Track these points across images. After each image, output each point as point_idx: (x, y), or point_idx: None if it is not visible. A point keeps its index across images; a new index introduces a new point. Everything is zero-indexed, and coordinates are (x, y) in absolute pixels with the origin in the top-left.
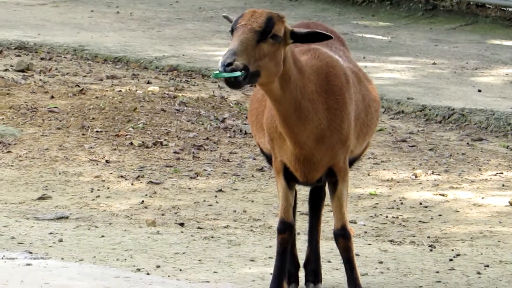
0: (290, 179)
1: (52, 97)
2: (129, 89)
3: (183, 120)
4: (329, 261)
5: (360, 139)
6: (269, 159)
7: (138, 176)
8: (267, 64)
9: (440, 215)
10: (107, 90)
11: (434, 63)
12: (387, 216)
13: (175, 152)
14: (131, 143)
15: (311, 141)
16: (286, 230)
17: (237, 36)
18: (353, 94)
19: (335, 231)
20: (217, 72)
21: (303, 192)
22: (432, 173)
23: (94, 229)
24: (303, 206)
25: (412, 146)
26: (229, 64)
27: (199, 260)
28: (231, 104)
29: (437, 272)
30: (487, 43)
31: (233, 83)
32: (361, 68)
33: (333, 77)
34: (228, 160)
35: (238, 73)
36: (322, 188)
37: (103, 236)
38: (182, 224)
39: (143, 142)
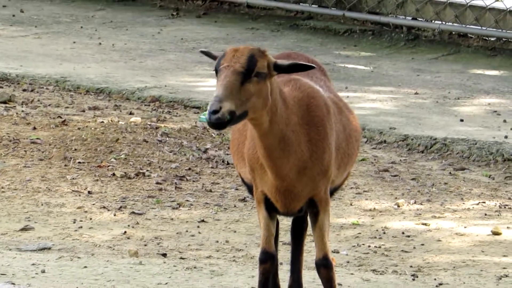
0: (271, 210)
1: (34, 128)
2: (111, 120)
3: (165, 150)
4: None
5: (341, 169)
6: (250, 189)
7: (121, 207)
8: (255, 102)
9: (422, 245)
10: (89, 121)
11: (416, 93)
12: (369, 246)
13: (157, 183)
14: (113, 174)
15: (293, 173)
16: (268, 260)
17: (221, 80)
18: (334, 124)
19: (317, 261)
20: (203, 117)
21: (285, 222)
22: (415, 203)
23: (76, 260)
24: (285, 236)
25: (395, 175)
26: (215, 111)
27: None
28: (213, 134)
29: None
30: (469, 73)
31: (218, 126)
32: (342, 98)
33: (314, 108)
34: (210, 191)
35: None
36: (304, 218)
37: (85, 267)
38: (164, 255)
39: (125, 173)
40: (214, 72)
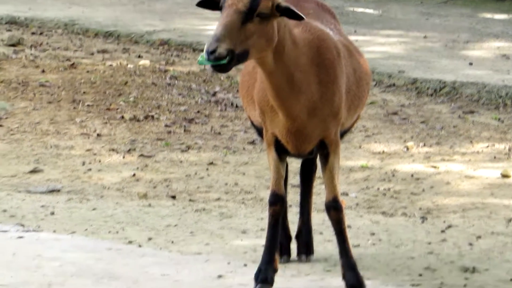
0: (281, 152)
1: (43, 71)
2: (120, 63)
3: (174, 94)
4: (321, 233)
5: (351, 112)
6: (260, 132)
7: (130, 150)
8: (256, 41)
9: (431, 187)
10: (98, 64)
11: (425, 37)
12: (378, 188)
13: (166, 126)
14: (122, 117)
15: (303, 114)
16: (277, 202)
17: (222, 19)
18: (344, 67)
19: (327, 203)
20: (201, 59)
21: (294, 164)
22: (424, 146)
23: (86, 202)
24: (294, 179)
25: (404, 118)
26: (213, 51)
27: (191, 232)
28: (222, 77)
29: (429, 243)
30: (478, 17)
31: (219, 68)
32: (352, 41)
33: (325, 50)
34: (219, 133)
35: (223, 61)
36: (314, 160)
37: (95, 209)
38: (173, 197)
39: (134, 115)
40: (220, 9)
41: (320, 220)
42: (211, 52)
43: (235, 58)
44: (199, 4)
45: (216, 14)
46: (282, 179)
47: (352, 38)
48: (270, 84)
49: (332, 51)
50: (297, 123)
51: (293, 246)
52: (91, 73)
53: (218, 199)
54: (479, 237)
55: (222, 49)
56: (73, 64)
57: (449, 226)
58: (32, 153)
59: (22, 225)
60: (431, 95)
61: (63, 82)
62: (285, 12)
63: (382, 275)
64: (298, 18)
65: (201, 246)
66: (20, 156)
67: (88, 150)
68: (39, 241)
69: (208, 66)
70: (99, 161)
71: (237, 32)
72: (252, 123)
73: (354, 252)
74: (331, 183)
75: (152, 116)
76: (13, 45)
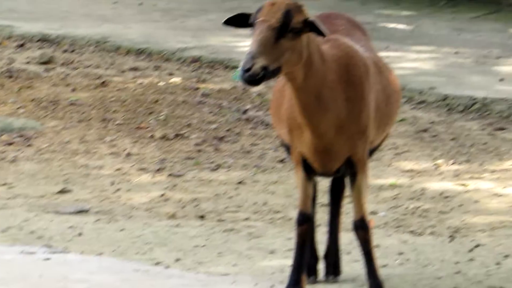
0: (309, 171)
1: (74, 89)
2: (151, 81)
3: (204, 111)
4: (349, 253)
5: (380, 130)
6: (289, 150)
7: (159, 169)
8: (289, 57)
9: (460, 206)
10: (129, 82)
11: (456, 52)
12: (407, 207)
13: (196, 144)
14: (152, 136)
15: (331, 131)
16: (305, 222)
17: (255, 35)
18: (372, 85)
19: (354, 223)
20: (236, 74)
21: (323, 183)
22: (453, 163)
23: (114, 223)
24: (323, 198)
25: (434, 136)
26: (248, 69)
27: (219, 253)
28: (253, 95)
29: (457, 262)
30: (510, 32)
31: (251, 82)
32: (382, 58)
33: (353, 67)
34: (249, 152)
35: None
36: (342, 179)
37: (123, 229)
38: (202, 217)
39: (164, 134)
40: (251, 26)
41: (348, 240)
42: (246, 70)
43: (268, 74)
44: (226, 22)
45: (247, 31)
46: (309, 198)
47: (383, 54)
48: (298, 100)
49: (360, 68)
50: (324, 141)
51: (321, 266)
52: (122, 91)
53: (247, 219)
54: (506, 256)
55: (258, 66)
56: (103, 82)
57: (477, 245)
58: (61, 173)
59: (50, 247)
60: (462, 111)
61: (93, 100)
62: (311, 26)
63: None
64: (321, 33)
65: (228, 267)
66: (49, 176)
67: (117, 169)
68: (66, 263)
69: (237, 81)
70: (128, 181)
71: (271, 48)
72: (281, 141)
73: (382, 272)
74: (358, 203)
75: (182, 135)
76: (44, 63)
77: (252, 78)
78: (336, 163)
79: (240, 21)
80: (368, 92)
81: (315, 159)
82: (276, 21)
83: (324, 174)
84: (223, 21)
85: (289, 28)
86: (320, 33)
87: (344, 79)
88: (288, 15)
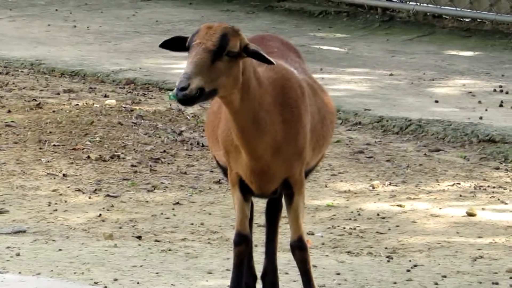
0: (245, 192)
1: (9, 111)
2: (86, 103)
3: (140, 133)
4: (287, 273)
5: (316, 151)
6: (225, 171)
7: (96, 190)
8: (224, 80)
9: (397, 226)
10: (64, 104)
11: (391, 74)
12: (344, 228)
13: (132, 165)
14: (88, 157)
15: (268, 154)
16: (242, 242)
17: (191, 57)
18: (308, 106)
19: (292, 243)
20: (172, 95)
21: (260, 204)
22: (390, 184)
23: (51, 243)
24: (260, 218)
25: (370, 157)
26: (183, 88)
27: (157, 273)
28: (188, 117)
29: (395, 283)
30: (444, 54)
31: (186, 102)
32: (317, 80)
33: (288, 89)
34: (185, 173)
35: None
36: (279, 200)
37: (60, 249)
38: (139, 237)
39: (100, 155)
40: (186, 48)
41: (285, 260)
42: (181, 89)
43: (203, 95)
44: (162, 45)
45: (183, 53)
46: (247, 219)
47: (318, 76)
48: (235, 123)
49: (296, 90)
50: (261, 163)
51: (259, 286)
52: (57, 113)
53: (184, 239)
54: (444, 276)
55: (193, 86)
56: (39, 104)
57: (415, 266)
58: None
59: None
60: (397, 133)
61: (29, 122)
62: (254, 55)
63: None
64: (268, 62)
65: (166, 287)
66: None
67: (54, 190)
68: (4, 283)
69: (172, 101)
70: (65, 202)
71: (207, 70)
72: (217, 163)
73: None
74: (296, 223)
75: (118, 156)
76: None
77: (187, 98)
78: (273, 184)
79: (176, 44)
80: (304, 113)
81: (252, 181)
82: (212, 44)
83: (261, 196)
84: (159, 44)
85: (225, 52)
86: (266, 61)
87: (280, 101)
88: (224, 38)
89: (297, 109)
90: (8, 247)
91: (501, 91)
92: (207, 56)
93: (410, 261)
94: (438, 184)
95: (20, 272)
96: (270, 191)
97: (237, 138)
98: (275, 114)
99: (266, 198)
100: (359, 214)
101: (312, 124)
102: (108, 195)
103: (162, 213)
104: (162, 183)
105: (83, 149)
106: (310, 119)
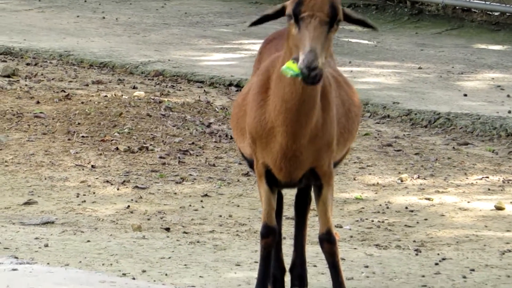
0: (272, 183)
1: (38, 102)
2: (115, 94)
3: (168, 125)
4: (315, 266)
5: (341, 144)
6: (250, 163)
7: (124, 181)
8: (327, 52)
9: (426, 219)
10: (92, 95)
11: (420, 68)
12: (372, 221)
13: (160, 157)
14: (117, 148)
15: (305, 138)
16: (269, 234)
17: (310, 31)
18: (334, 98)
19: (320, 236)
20: (293, 72)
21: (289, 196)
22: (418, 178)
23: (80, 234)
24: (289, 211)
25: (398, 150)
26: (315, 68)
27: (185, 265)
28: (216, 109)
29: (423, 276)
30: (473, 48)
31: (316, 81)
32: (342, 73)
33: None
34: (213, 165)
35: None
36: (308, 192)
37: (89, 241)
38: (168, 229)
39: (128, 147)
40: (289, 17)
41: (314, 253)
42: (313, 69)
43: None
44: (252, 25)
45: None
46: (273, 210)
47: (346, 69)
48: (291, 99)
49: (326, 81)
50: (297, 145)
51: (287, 278)
52: (86, 104)
53: (212, 231)
54: (472, 270)
55: (321, 64)
56: (67, 95)
57: (443, 259)
58: (27, 185)
59: (16, 257)
60: (425, 126)
61: (57, 113)
62: (358, 21)
63: None
64: (372, 27)
65: (195, 279)
66: (14, 188)
67: (82, 181)
68: (33, 274)
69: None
70: (93, 193)
71: (325, 44)
72: (242, 155)
73: (348, 285)
74: (324, 215)
75: (147, 148)
76: (7, 76)
77: (320, 77)
78: (300, 171)
79: (266, 19)
80: (333, 105)
81: (282, 166)
82: (324, 15)
83: (287, 185)
84: (248, 25)
85: (336, 21)
86: (370, 26)
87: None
88: (334, 7)
89: (329, 99)
90: (36, 238)
91: None
92: (324, 29)
93: (438, 254)
94: (467, 178)
95: (48, 263)
96: (297, 178)
97: (282, 114)
98: (318, 101)
99: (292, 187)
100: (387, 207)
101: (336, 117)
102: (136, 187)
103: (190, 205)
104: (190, 175)
105: (112, 140)
106: (335, 111)
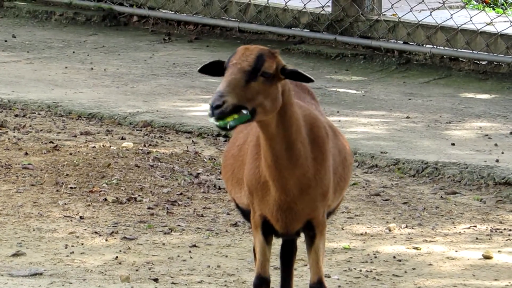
0: (268, 234)
1: (26, 153)
2: (103, 145)
3: (157, 175)
4: None
5: (337, 193)
6: (244, 214)
7: (112, 232)
8: (263, 101)
9: (413, 269)
10: (81, 146)
11: (407, 117)
12: (361, 270)
13: (149, 208)
14: (105, 199)
15: (296, 189)
16: (262, 285)
17: (226, 76)
18: (331, 148)
19: (312, 285)
20: (220, 122)
21: (276, 246)
22: (406, 227)
23: (68, 285)
24: (275, 261)
25: (386, 200)
26: (218, 106)
27: None
28: (205, 159)
29: None
30: (460, 97)
31: (221, 118)
32: (333, 123)
33: (317, 128)
34: (202, 215)
35: (246, 116)
36: (294, 242)
37: None
38: (156, 280)
39: (117, 198)
40: (224, 68)
41: None
42: (216, 107)
43: (240, 114)
44: (201, 71)
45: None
46: (267, 262)
47: (334, 118)
48: (269, 151)
49: (322, 130)
50: (289, 198)
51: None
52: (74, 155)
53: (201, 281)
54: None
55: (229, 103)
56: (56, 146)
57: None
58: (15, 236)
59: None
60: (414, 176)
61: (46, 164)
62: (292, 75)
63: None
64: (307, 80)
65: None
66: (3, 239)
67: (71, 233)
68: None
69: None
70: (82, 244)
71: (241, 89)
72: (236, 205)
73: None
74: (316, 265)
75: (135, 198)
76: None
77: (224, 114)
78: (298, 223)
79: (214, 69)
80: (329, 154)
81: (278, 218)
82: (247, 64)
83: (285, 235)
84: (198, 69)
85: (260, 72)
86: (305, 79)
87: (310, 138)
88: (260, 59)
89: (324, 148)
90: None
91: None
92: (241, 76)
93: None
94: (455, 227)
95: None
96: (295, 230)
97: (268, 169)
98: (308, 149)
99: (289, 238)
100: (375, 257)
101: (334, 166)
102: (125, 238)
103: (178, 256)
104: (178, 225)
105: (100, 191)
106: (332, 161)
